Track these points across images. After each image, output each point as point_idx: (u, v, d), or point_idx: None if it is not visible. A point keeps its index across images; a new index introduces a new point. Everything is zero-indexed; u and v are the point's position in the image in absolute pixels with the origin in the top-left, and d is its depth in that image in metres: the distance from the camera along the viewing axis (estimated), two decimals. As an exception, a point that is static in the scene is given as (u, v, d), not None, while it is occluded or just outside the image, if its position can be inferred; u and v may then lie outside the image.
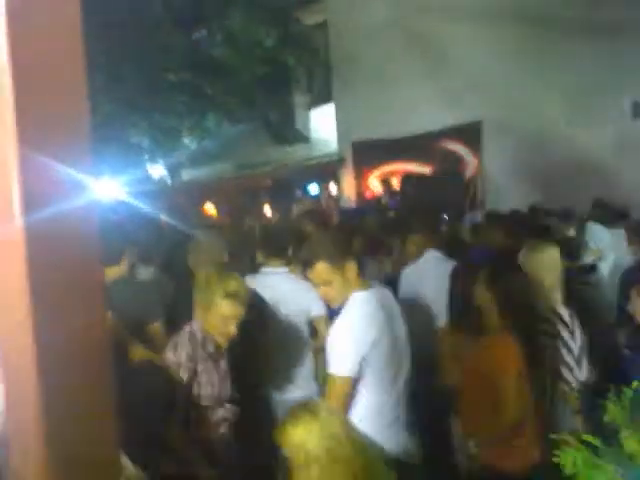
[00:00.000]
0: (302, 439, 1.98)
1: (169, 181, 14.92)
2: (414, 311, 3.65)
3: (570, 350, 3.04)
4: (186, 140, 12.23)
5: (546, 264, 3.14)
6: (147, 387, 2.39)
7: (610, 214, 6.56)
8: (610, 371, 3.54)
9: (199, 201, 12.35)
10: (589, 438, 1.37)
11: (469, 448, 2.90)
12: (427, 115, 10.37)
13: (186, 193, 12.95)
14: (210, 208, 12.17)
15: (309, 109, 13.68)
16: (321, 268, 2.62)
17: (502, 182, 9.76)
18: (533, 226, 5.37)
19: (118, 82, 10.35)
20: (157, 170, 14.49)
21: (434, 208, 7.17)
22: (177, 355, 2.65)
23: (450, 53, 10.32)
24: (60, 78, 0.72)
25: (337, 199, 12.08)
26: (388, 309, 2.72)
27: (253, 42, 10.96)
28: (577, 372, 3.04)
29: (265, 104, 11.96)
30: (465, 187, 10.07)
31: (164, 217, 9.03)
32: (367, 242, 5.00)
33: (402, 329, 2.77)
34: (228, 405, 2.77)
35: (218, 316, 2.69)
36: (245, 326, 2.80)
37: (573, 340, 3.06)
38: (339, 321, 2.63)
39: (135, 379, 2.35)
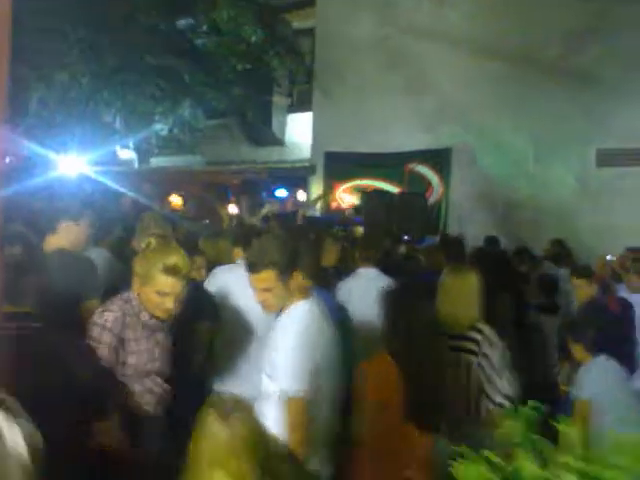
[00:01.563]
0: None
1: (136, 165, 14.73)
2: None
3: (493, 366, 3.16)
4: (158, 126, 12.07)
5: (466, 287, 3.28)
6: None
7: (562, 253, 6.78)
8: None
9: (165, 190, 12.23)
10: (488, 454, 1.43)
11: None
12: (401, 135, 10.53)
13: (152, 180, 12.80)
14: (175, 199, 12.07)
15: (287, 113, 13.71)
16: (266, 276, 2.55)
17: (465, 210, 9.97)
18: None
19: (96, 56, 10.21)
20: (126, 153, 14.29)
21: (393, 227, 7.29)
22: (102, 318, 2.50)
23: (430, 77, 10.52)
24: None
25: (303, 206, 12.11)
26: (325, 322, 2.72)
27: (238, 37, 10.92)
28: (502, 386, 3.15)
29: (243, 101, 11.90)
30: (429, 211, 10.24)
31: (127, 199, 8.93)
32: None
33: (335, 346, 2.76)
34: (158, 379, 2.61)
35: (155, 290, 2.51)
36: (194, 310, 2.70)
37: (496, 355, 3.17)
38: (287, 329, 2.55)
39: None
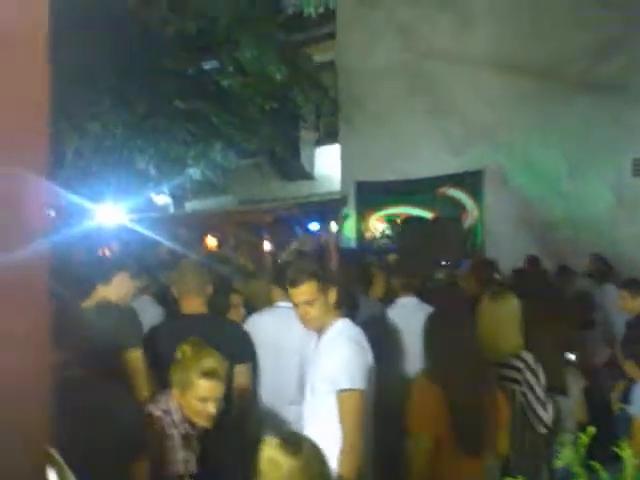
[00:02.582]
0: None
1: (172, 210, 15.01)
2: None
3: (537, 396, 3.07)
4: (191, 170, 12.32)
5: (506, 313, 3.20)
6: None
7: (604, 269, 6.62)
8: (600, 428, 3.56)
9: (200, 233, 12.40)
10: None
11: None
12: (430, 160, 10.51)
13: (188, 224, 13.02)
14: (211, 241, 12.22)
15: (315, 147, 13.84)
16: (306, 288, 2.67)
17: (501, 232, 9.83)
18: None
19: (126, 105, 10.51)
20: (161, 198, 14.59)
21: (430, 254, 7.23)
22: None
23: (454, 99, 10.51)
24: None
25: (337, 238, 12.12)
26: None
27: (263, 75, 11.13)
28: (544, 416, 3.07)
29: (271, 139, 12.07)
30: (465, 234, 10.15)
31: (167, 245, 9.08)
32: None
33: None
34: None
35: (195, 397, 2.49)
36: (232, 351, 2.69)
37: (539, 385, 3.09)
38: (338, 338, 2.64)
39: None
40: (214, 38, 11.02)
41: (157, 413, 2.55)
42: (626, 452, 1.44)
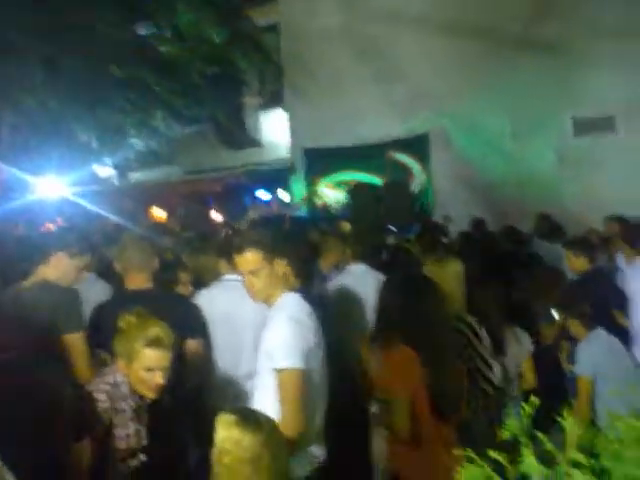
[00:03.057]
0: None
1: (116, 182, 14.60)
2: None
3: (482, 358, 3.14)
4: (133, 140, 11.95)
5: (449, 277, 3.23)
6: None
7: (552, 229, 6.76)
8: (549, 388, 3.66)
9: (146, 205, 12.11)
10: (493, 454, 1.39)
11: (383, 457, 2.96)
12: (377, 125, 10.47)
13: (133, 196, 12.68)
14: (157, 212, 11.95)
15: (260, 112, 13.58)
16: (251, 256, 2.59)
17: (449, 195, 9.94)
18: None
19: (61, 75, 10.05)
20: (104, 170, 14.16)
21: (380, 219, 7.25)
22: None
23: (399, 63, 10.46)
24: None
25: (288, 206, 12.04)
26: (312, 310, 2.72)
27: (201, 39, 10.79)
28: (491, 377, 3.15)
29: (213, 105, 11.76)
30: (413, 198, 10.21)
31: (112, 218, 8.83)
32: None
33: (320, 344, 2.75)
34: (142, 456, 2.54)
35: (142, 367, 2.44)
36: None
37: (483, 347, 3.16)
38: (279, 314, 2.56)
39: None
40: (149, 2, 10.60)
41: (104, 387, 2.47)
42: (568, 421, 1.44)
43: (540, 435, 1.50)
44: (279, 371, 2.46)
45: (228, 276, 3.61)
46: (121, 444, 2.48)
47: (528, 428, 1.51)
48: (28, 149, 10.76)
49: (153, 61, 10.90)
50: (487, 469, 1.37)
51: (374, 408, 2.92)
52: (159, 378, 2.45)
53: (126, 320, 2.53)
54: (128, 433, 2.49)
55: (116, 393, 2.48)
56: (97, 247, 5.20)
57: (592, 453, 1.44)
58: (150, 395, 2.50)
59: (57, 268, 3.30)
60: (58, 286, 3.24)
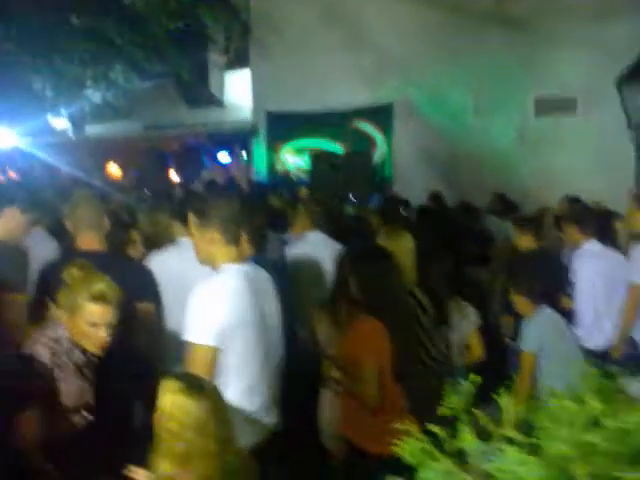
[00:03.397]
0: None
1: (72, 135, 14.12)
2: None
3: (425, 329, 3.21)
4: (90, 91, 11.53)
5: (400, 250, 3.26)
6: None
7: (506, 207, 6.88)
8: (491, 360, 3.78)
9: (102, 160, 11.78)
10: (433, 428, 1.42)
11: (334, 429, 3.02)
12: (342, 92, 10.36)
13: (88, 149, 12.30)
14: (113, 168, 11.65)
15: (224, 71, 13.26)
16: (190, 219, 2.71)
17: (409, 166, 9.98)
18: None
19: (17, 22, 9.60)
20: (59, 122, 13.67)
21: (339, 188, 7.25)
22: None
23: (368, 30, 10.32)
24: None
25: (247, 170, 11.89)
26: (259, 290, 2.64)
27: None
28: (432, 350, 3.22)
29: (177, 60, 11.42)
30: (375, 169, 10.21)
31: (66, 172, 8.59)
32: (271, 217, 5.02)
33: (275, 313, 2.72)
34: (85, 413, 2.50)
35: (84, 322, 2.40)
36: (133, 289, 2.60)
37: (426, 319, 3.22)
38: (202, 287, 2.51)
39: None
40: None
41: (44, 340, 2.43)
42: (503, 399, 1.48)
43: (475, 411, 1.54)
44: (187, 343, 2.43)
45: (183, 239, 3.56)
46: (65, 400, 2.44)
47: (467, 404, 1.55)
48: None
49: (115, 12, 10.49)
50: (427, 443, 1.40)
51: (333, 375, 2.94)
52: (103, 333, 2.42)
53: (70, 273, 2.48)
54: (71, 389, 2.46)
55: (57, 347, 2.43)
56: (49, 202, 5.06)
57: (529, 429, 1.48)
58: (94, 350, 2.46)
59: (7, 223, 3.20)
60: (6, 243, 3.15)
